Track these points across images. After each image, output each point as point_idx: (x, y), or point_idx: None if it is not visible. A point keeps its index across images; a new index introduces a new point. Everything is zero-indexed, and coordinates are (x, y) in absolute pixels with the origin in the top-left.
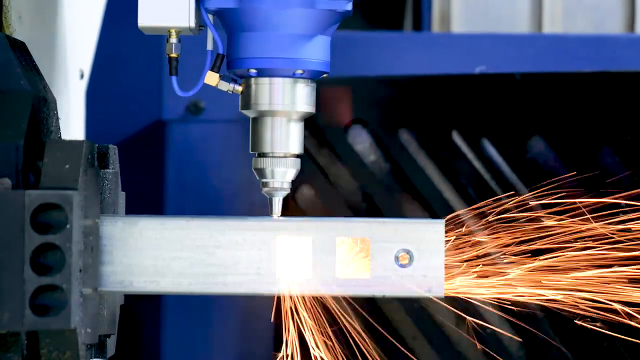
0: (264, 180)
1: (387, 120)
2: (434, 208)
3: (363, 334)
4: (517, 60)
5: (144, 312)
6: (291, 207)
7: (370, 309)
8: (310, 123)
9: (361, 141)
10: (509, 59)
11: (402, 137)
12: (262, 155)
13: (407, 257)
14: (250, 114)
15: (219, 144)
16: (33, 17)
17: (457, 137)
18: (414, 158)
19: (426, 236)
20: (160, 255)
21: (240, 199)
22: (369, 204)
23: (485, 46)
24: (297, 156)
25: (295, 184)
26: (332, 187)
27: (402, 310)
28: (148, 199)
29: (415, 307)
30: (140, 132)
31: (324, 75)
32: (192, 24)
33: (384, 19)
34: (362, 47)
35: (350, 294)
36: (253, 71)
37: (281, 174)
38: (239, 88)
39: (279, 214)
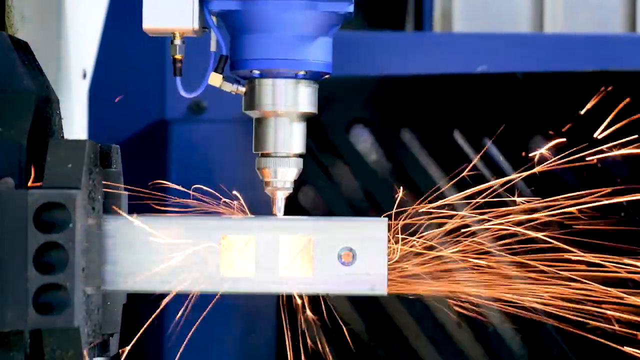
0: (267, 179)
1: (388, 120)
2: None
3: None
4: (519, 59)
5: (146, 311)
6: (293, 207)
7: (373, 308)
8: (312, 122)
9: (363, 140)
10: (510, 58)
11: (404, 137)
12: (266, 155)
13: (350, 256)
14: (253, 114)
15: (221, 143)
16: (36, 17)
17: (458, 137)
18: (415, 157)
19: (369, 235)
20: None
21: (243, 198)
22: (371, 203)
23: (487, 46)
24: (300, 156)
25: (297, 183)
26: (333, 186)
27: (404, 310)
28: (151, 198)
29: (418, 307)
30: (143, 131)
31: (326, 76)
32: (196, 26)
33: (385, 18)
34: (363, 46)
35: (294, 291)
36: (256, 72)
37: (284, 174)
38: (242, 89)
39: (282, 213)
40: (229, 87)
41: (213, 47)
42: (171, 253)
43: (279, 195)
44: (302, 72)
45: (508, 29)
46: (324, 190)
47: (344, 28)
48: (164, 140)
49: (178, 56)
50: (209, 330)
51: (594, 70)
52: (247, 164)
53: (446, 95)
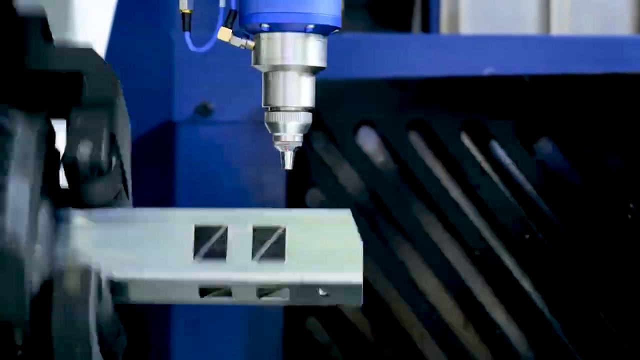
0: (276, 134)
1: (395, 122)
2: (442, 209)
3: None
4: (526, 61)
5: (152, 312)
6: (300, 208)
7: (379, 309)
8: (319, 124)
9: (370, 142)
10: (517, 60)
11: (411, 139)
12: (275, 109)
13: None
14: (262, 68)
15: (228, 145)
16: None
17: (465, 139)
18: (422, 159)
19: (341, 228)
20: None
21: (250, 199)
22: (377, 205)
23: (494, 48)
24: (309, 110)
25: (304, 184)
26: (340, 188)
27: (410, 310)
28: (158, 199)
29: (424, 307)
30: (150, 133)
31: (336, 31)
32: None
33: (391, 20)
34: (370, 48)
35: (266, 282)
36: (265, 26)
37: (293, 128)
38: (251, 43)
39: (291, 167)
40: (238, 42)
41: (222, 3)
42: (141, 244)
43: (289, 149)
44: (311, 26)
45: (515, 31)
46: (330, 191)
47: (351, 30)
48: (171, 141)
49: (187, 10)
50: (216, 330)
51: (601, 72)
52: (254, 166)
53: (453, 97)
